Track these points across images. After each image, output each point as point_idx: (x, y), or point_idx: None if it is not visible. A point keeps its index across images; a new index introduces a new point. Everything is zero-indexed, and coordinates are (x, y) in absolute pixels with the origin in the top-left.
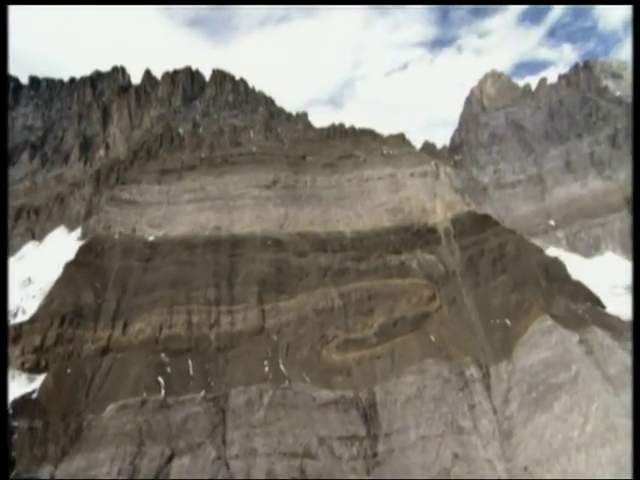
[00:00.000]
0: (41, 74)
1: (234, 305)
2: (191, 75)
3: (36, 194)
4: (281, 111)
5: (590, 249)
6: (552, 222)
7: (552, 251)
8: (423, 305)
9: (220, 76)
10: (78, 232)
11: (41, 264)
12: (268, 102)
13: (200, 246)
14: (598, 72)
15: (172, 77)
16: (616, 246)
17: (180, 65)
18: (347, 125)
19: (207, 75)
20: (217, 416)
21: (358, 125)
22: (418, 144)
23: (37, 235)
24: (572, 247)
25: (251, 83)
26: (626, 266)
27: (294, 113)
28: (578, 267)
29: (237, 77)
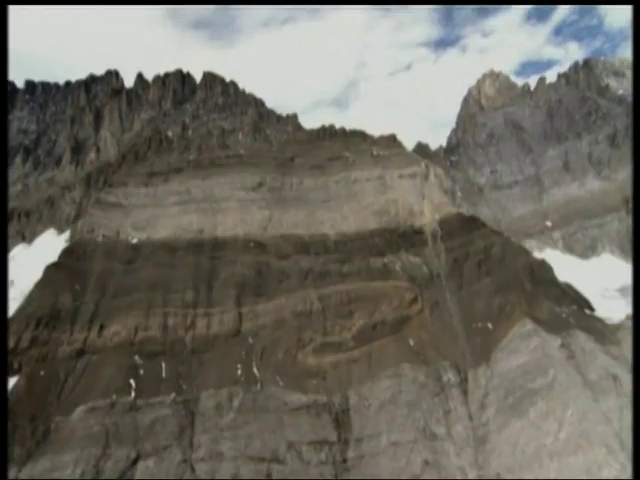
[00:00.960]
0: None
1: (211, 308)
2: (182, 78)
3: (28, 197)
4: (271, 113)
5: (587, 250)
6: (549, 223)
7: (548, 252)
8: (404, 308)
9: (210, 79)
10: (67, 235)
11: (26, 266)
12: (258, 104)
13: (182, 249)
14: (600, 71)
15: (163, 80)
16: (613, 247)
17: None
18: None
19: (198, 78)
20: (186, 419)
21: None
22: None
23: (28, 237)
24: (569, 248)
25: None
26: (623, 267)
27: (284, 115)
28: (574, 268)
29: (228, 79)
